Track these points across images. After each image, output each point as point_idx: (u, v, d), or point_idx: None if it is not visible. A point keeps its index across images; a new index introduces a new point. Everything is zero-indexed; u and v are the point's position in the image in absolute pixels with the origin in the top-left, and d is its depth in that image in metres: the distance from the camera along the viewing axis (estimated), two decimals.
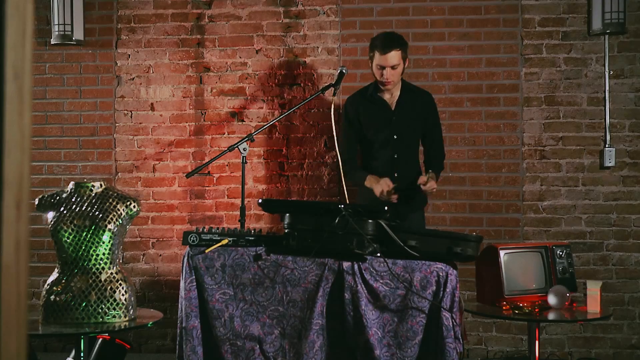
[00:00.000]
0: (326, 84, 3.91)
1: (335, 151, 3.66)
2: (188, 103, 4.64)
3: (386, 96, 3.79)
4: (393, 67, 3.65)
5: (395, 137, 3.78)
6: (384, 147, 3.79)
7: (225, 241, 2.90)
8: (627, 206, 4.42)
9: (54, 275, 2.89)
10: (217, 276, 2.89)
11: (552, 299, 3.09)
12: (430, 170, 3.65)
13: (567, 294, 3.12)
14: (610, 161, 4.39)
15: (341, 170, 3.53)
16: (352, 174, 3.81)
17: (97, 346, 3.61)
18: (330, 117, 3.66)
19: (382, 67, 3.66)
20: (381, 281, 2.82)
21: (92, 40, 4.68)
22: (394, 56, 3.64)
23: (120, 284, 2.87)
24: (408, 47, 3.78)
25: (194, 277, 2.90)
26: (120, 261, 3.01)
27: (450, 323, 2.75)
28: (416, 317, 2.80)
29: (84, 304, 2.80)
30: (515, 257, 3.21)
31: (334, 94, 3.65)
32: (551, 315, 3.09)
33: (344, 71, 3.70)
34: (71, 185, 3.01)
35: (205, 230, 2.94)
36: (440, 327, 2.75)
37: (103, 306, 2.81)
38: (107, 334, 3.47)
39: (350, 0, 4.57)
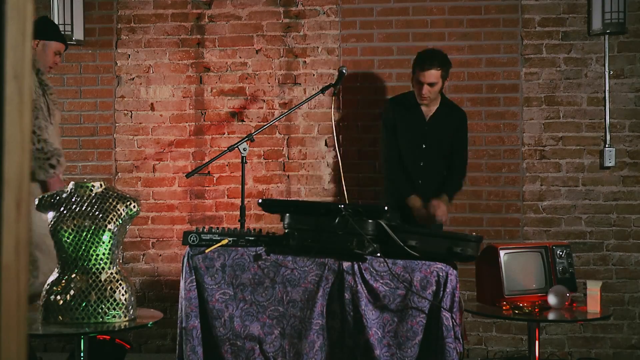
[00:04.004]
0: (326, 84, 3.91)
1: (335, 151, 3.66)
2: (188, 103, 4.64)
3: (423, 108, 3.93)
4: (430, 85, 3.77)
5: (424, 146, 3.92)
6: (413, 154, 3.94)
7: (225, 241, 2.90)
8: (627, 206, 4.42)
9: (54, 275, 2.89)
10: (217, 276, 2.89)
11: (552, 299, 3.09)
12: (442, 194, 3.83)
13: (567, 294, 3.12)
14: (610, 161, 4.39)
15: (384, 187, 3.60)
16: (394, 189, 3.93)
17: (97, 346, 3.61)
18: (330, 117, 3.67)
19: (421, 83, 3.78)
20: (381, 281, 2.82)
21: (92, 40, 4.68)
22: (433, 74, 3.75)
23: (120, 284, 2.87)
24: (450, 67, 3.85)
25: (194, 277, 2.90)
26: (120, 261, 3.01)
27: (450, 323, 2.75)
28: (416, 317, 2.79)
29: (84, 304, 2.80)
30: (515, 257, 3.21)
31: (334, 94, 3.66)
32: (551, 315, 3.08)
33: (344, 71, 3.70)
34: (71, 185, 3.01)
35: (205, 230, 2.93)
36: (440, 327, 2.75)
37: (103, 306, 2.81)
38: (107, 334, 3.47)
39: (350, 0, 4.57)
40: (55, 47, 3.75)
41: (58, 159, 3.42)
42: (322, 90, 3.69)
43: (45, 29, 3.77)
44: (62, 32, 4.53)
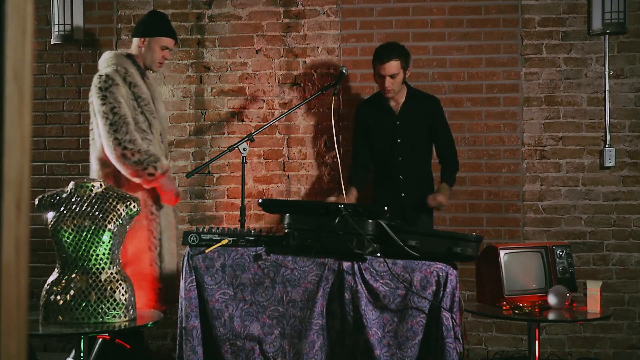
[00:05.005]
0: (326, 84, 3.90)
1: (335, 151, 3.66)
2: (188, 103, 4.64)
3: (392, 103, 3.96)
4: (392, 77, 3.80)
5: (399, 140, 3.93)
6: (390, 150, 3.95)
7: (225, 241, 2.90)
8: (627, 206, 4.42)
9: (54, 275, 2.89)
10: (217, 276, 2.89)
11: (552, 299, 3.10)
12: (442, 183, 3.89)
13: (567, 294, 3.12)
14: (610, 161, 4.39)
15: (342, 177, 3.63)
16: (348, 187, 3.97)
17: (97, 346, 3.61)
18: (330, 117, 3.67)
19: (382, 77, 3.81)
20: (381, 281, 2.82)
21: (92, 40, 4.68)
22: (392, 66, 3.78)
23: (120, 284, 2.87)
24: (409, 57, 3.90)
25: (194, 277, 2.90)
26: (120, 261, 3.01)
27: (450, 323, 2.75)
28: (416, 317, 2.79)
29: (84, 304, 2.80)
30: (515, 257, 3.21)
31: (334, 94, 3.66)
32: (551, 315, 3.09)
33: (344, 71, 3.70)
34: (71, 185, 3.01)
35: (205, 230, 2.94)
36: (440, 327, 2.75)
37: (103, 306, 2.81)
38: (107, 334, 3.47)
39: (350, 0, 4.57)
40: (161, 42, 3.75)
41: (154, 165, 3.50)
42: (322, 90, 3.69)
43: (149, 24, 3.80)
44: (62, 32, 4.52)
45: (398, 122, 3.93)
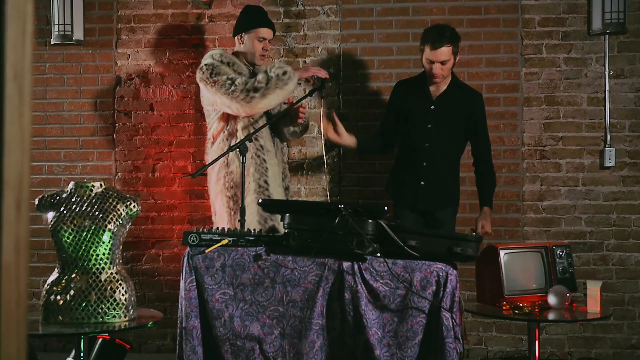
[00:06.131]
0: (312, 88, 3.83)
1: (323, 150, 3.66)
2: (188, 103, 4.64)
3: (431, 87, 3.81)
4: (442, 63, 3.66)
5: (430, 126, 3.80)
6: (419, 135, 3.82)
7: (225, 241, 2.90)
8: (627, 206, 4.42)
9: (54, 275, 2.89)
10: (217, 276, 2.89)
11: (552, 299, 3.10)
12: (484, 207, 3.83)
13: (567, 294, 3.12)
14: (610, 161, 4.39)
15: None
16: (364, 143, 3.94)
17: (97, 346, 3.61)
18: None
19: (431, 62, 3.67)
20: (381, 281, 2.82)
21: (92, 40, 4.68)
22: (444, 52, 3.64)
23: (120, 284, 2.88)
24: (460, 40, 3.75)
25: (194, 277, 2.90)
26: (120, 261, 3.01)
27: (450, 323, 2.75)
28: (416, 317, 2.79)
29: (84, 304, 2.80)
30: (515, 257, 3.21)
31: (322, 97, 3.66)
32: (551, 315, 3.09)
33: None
34: (71, 185, 3.02)
35: (205, 230, 2.94)
36: (440, 327, 2.75)
37: (103, 306, 2.81)
38: (107, 334, 3.47)
39: (350, 0, 4.57)
40: (257, 34, 3.74)
41: (279, 66, 3.52)
42: (310, 94, 3.68)
43: (242, 20, 3.80)
44: (62, 32, 4.51)
45: (432, 107, 3.79)
